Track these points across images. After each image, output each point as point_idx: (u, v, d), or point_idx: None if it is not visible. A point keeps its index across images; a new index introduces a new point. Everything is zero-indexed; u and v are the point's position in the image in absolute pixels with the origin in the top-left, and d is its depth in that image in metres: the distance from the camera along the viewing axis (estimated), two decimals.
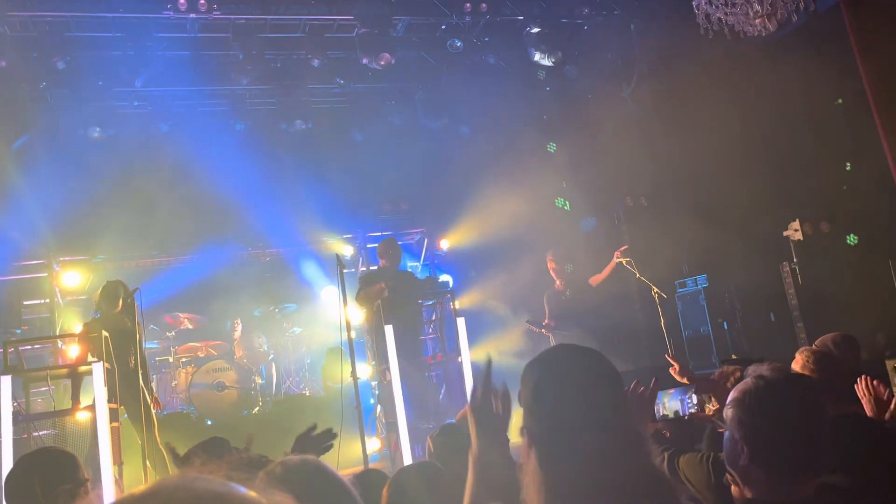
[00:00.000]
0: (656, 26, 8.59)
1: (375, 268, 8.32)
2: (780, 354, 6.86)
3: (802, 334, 7.52)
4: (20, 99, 8.41)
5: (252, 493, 0.74)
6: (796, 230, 7.60)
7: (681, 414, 2.46)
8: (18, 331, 7.38)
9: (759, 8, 6.61)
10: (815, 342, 3.77)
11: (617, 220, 9.46)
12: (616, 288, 8.44)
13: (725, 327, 8.99)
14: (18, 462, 2.50)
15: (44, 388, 6.24)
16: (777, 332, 8.35)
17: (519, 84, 9.57)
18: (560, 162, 9.11)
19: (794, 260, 7.60)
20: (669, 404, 2.49)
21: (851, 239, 7.78)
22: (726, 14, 6.72)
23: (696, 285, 9.09)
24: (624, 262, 7.67)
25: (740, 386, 1.88)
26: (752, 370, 2.37)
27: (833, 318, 6.64)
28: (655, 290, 7.60)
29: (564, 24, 9.14)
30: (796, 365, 3.41)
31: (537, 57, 9.04)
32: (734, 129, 7.92)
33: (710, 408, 3.74)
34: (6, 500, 2.49)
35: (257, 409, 8.20)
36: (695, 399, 2.45)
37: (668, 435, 2.97)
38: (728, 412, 1.84)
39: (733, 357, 6.91)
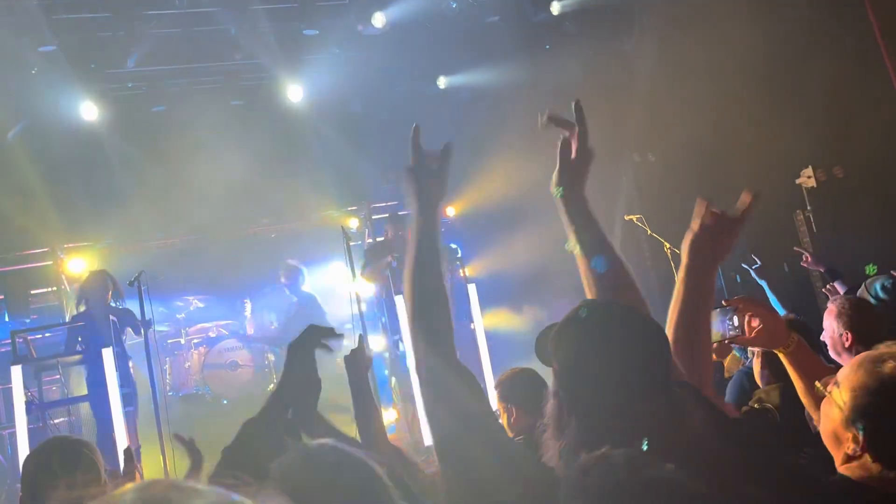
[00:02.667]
0: None
1: (381, 239, 8.24)
2: (795, 306, 6.78)
3: (818, 284, 7.40)
4: (12, 87, 8.28)
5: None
6: (809, 177, 7.44)
7: (723, 336, 2.34)
8: (27, 320, 7.36)
9: None
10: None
11: (625, 178, 9.31)
12: (627, 245, 8.32)
13: (738, 280, 8.88)
14: (29, 457, 2.45)
15: (56, 376, 6.23)
16: (792, 284, 8.23)
17: (519, 43, 9.36)
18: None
19: (808, 208, 7.45)
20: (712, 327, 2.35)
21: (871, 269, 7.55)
22: None
23: None
24: (634, 220, 7.55)
25: (869, 366, 1.61)
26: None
27: (850, 267, 6.50)
28: (668, 245, 7.49)
29: None
30: (829, 315, 3.31)
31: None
32: (741, 76, 7.73)
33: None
34: (21, 488, 2.45)
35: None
36: (735, 321, 2.32)
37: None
38: (846, 394, 1.62)
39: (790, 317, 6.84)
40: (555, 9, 9.37)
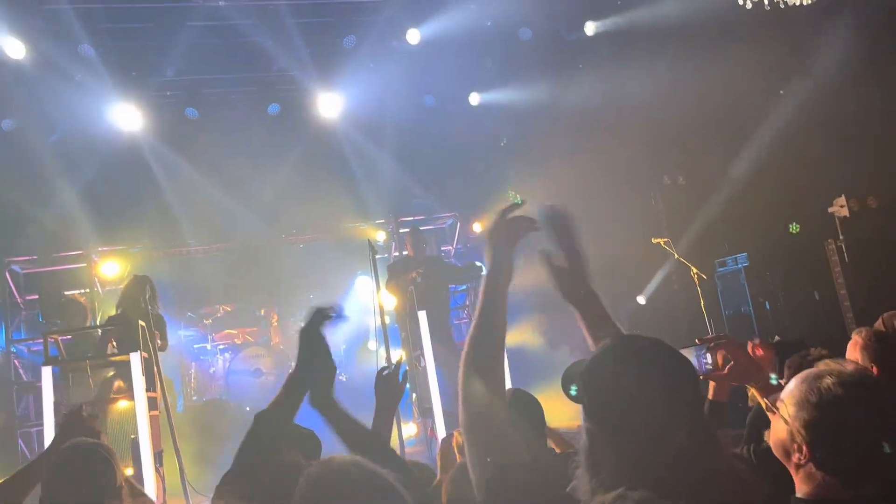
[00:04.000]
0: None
1: (406, 254, 8.30)
2: (824, 335, 6.67)
3: (849, 314, 7.28)
4: (55, 92, 8.50)
5: None
6: (842, 206, 7.34)
7: (698, 372, 2.39)
8: (59, 321, 7.52)
9: None
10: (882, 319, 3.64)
11: (654, 200, 9.26)
12: (654, 269, 8.28)
13: (767, 307, 8.77)
14: (54, 464, 2.47)
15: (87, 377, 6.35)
16: (822, 312, 8.11)
17: (552, 62, 9.39)
18: (593, 140, 8.92)
19: (840, 237, 7.35)
20: None
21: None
22: None
23: (737, 264, 8.87)
24: (661, 243, 7.50)
25: (811, 384, 1.74)
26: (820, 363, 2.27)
27: (881, 297, 6.40)
28: (695, 270, 7.43)
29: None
30: (854, 346, 3.27)
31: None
32: (775, 102, 7.66)
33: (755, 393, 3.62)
34: (42, 497, 2.48)
35: None
36: (709, 358, 2.38)
37: None
38: (791, 409, 1.75)
39: (777, 339, 6.73)
40: (589, 29, 9.40)
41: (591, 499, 1.46)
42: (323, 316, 1.96)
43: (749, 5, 6.38)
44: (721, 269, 9.03)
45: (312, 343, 1.93)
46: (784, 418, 1.76)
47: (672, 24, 8.98)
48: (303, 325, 1.98)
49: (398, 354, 7.74)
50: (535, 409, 3.20)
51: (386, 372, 2.62)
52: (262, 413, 1.98)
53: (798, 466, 1.73)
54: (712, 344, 2.36)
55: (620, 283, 9.08)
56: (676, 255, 7.56)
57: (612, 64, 9.63)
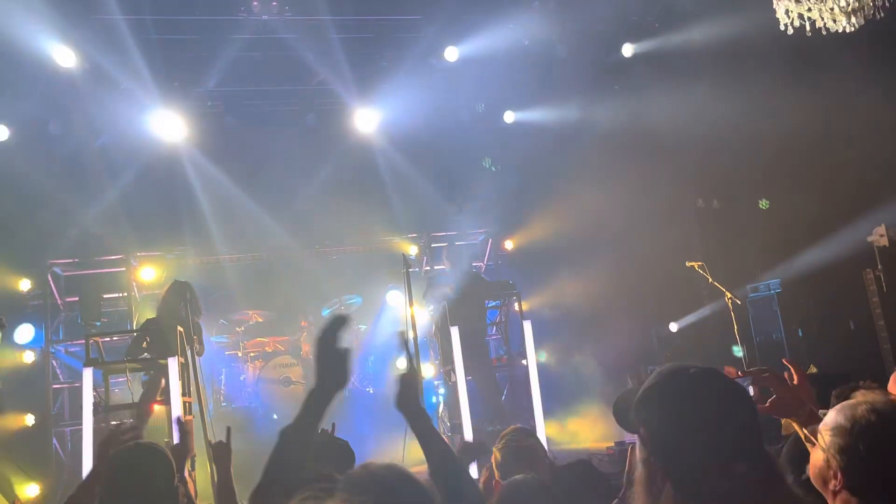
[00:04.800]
0: (730, 24, 8.34)
1: (442, 268, 8.38)
2: (859, 365, 6.58)
3: (886, 345, 7.17)
4: (101, 99, 8.72)
5: None
6: (882, 235, 7.26)
7: None
8: (98, 323, 7.67)
9: (845, 3, 6.32)
10: None
11: (687, 223, 9.23)
12: (685, 292, 8.24)
13: (800, 335, 8.66)
14: (116, 460, 2.50)
15: (122, 379, 6.47)
16: (857, 342, 8.00)
17: (588, 83, 9.43)
18: (627, 161, 8.93)
19: (879, 266, 7.26)
20: None
21: None
22: (809, 9, 6.46)
23: (770, 290, 8.78)
24: (696, 267, 7.46)
25: (846, 412, 1.79)
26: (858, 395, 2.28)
27: None
28: (729, 295, 7.37)
29: (635, 21, 9.00)
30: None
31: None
32: (815, 128, 7.61)
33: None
34: (101, 493, 2.51)
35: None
36: (752, 391, 2.38)
37: None
38: (827, 437, 1.78)
39: (813, 370, 6.65)
40: (627, 51, 9.44)
41: None
42: (338, 323, 1.95)
43: (790, 31, 6.38)
44: (753, 294, 8.94)
45: (329, 353, 1.93)
46: (821, 446, 1.80)
47: (710, 47, 8.99)
48: (318, 336, 1.96)
49: (430, 368, 7.78)
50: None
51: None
52: (286, 428, 1.99)
53: (835, 494, 1.76)
54: (757, 377, 2.37)
55: (652, 306, 9.05)
56: (710, 280, 7.50)
57: (649, 86, 9.65)
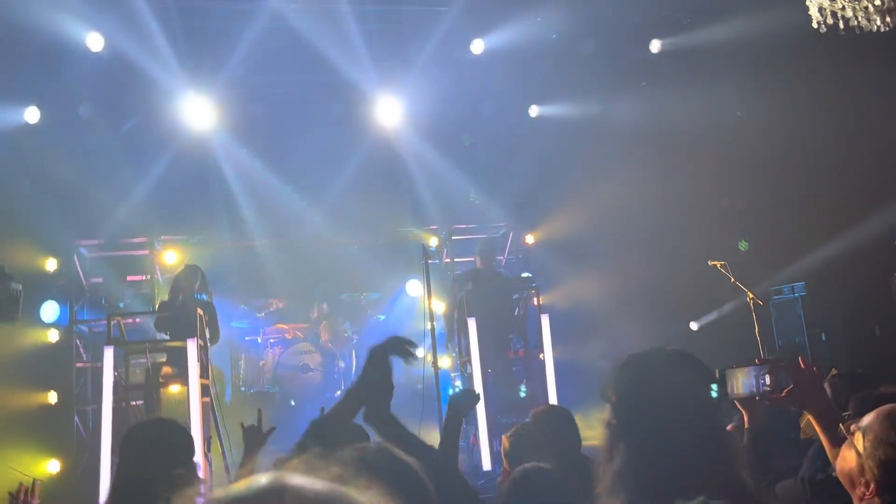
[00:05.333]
0: (763, 20, 8.22)
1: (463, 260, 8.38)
2: (882, 371, 6.47)
3: None
4: (130, 84, 8.84)
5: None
6: None
7: (754, 392, 2.40)
8: (121, 304, 7.79)
9: (880, 2, 6.20)
10: None
11: (711, 222, 9.13)
12: (707, 292, 8.16)
13: (823, 339, 8.54)
14: (137, 432, 2.55)
15: (142, 360, 6.56)
16: (881, 348, 7.88)
17: (615, 78, 9.35)
18: (652, 158, 8.85)
19: None
20: (744, 382, 2.43)
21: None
22: (843, 7, 6.35)
23: (794, 293, 8.66)
24: (718, 266, 7.38)
25: (891, 420, 1.74)
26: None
27: None
28: (751, 295, 7.28)
29: (664, 17, 8.91)
30: None
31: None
32: (841, 127, 7.49)
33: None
34: (119, 467, 2.55)
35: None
36: (768, 379, 2.36)
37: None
38: (867, 442, 1.75)
39: (834, 372, 6.55)
40: (654, 47, 9.34)
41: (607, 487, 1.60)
42: (398, 345, 2.00)
43: (823, 29, 6.27)
44: (777, 296, 8.83)
45: (379, 363, 1.98)
46: (857, 449, 1.75)
47: (738, 45, 8.87)
48: (377, 345, 2.02)
49: (446, 361, 7.79)
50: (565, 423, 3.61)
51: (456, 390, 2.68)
52: (317, 420, 2.03)
53: (861, 499, 1.73)
54: (778, 365, 2.34)
55: (673, 304, 8.97)
56: (732, 280, 7.41)
57: (676, 83, 9.55)
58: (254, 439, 3.17)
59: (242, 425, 3.29)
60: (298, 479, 0.72)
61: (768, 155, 8.35)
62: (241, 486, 0.72)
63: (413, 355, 2.07)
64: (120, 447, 2.51)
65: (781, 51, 8.00)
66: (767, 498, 2.74)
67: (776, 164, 8.35)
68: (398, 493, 1.59)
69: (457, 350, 7.33)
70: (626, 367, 1.68)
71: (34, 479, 3.10)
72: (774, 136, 8.15)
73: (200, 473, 5.21)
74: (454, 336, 7.33)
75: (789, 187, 8.36)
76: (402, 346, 2.02)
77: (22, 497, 2.91)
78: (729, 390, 2.45)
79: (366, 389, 2.01)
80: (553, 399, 6.49)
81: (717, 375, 2.61)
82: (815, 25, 6.23)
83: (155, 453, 2.31)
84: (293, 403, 8.10)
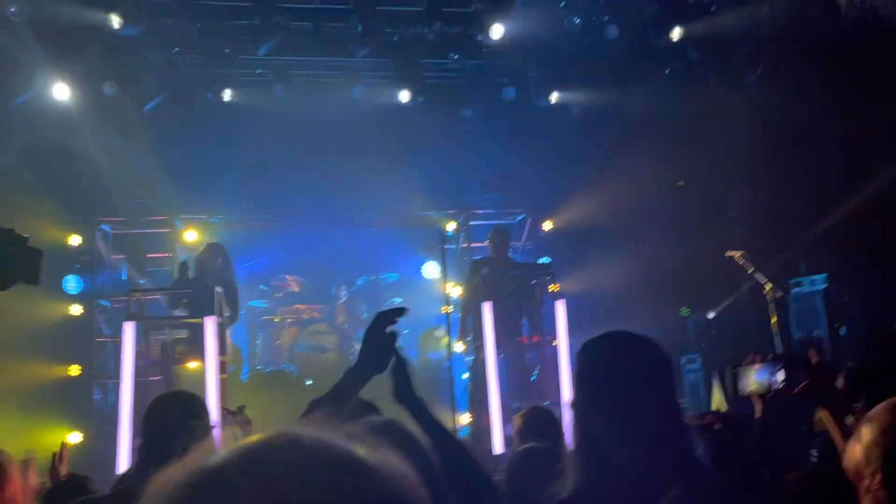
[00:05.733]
0: (787, 9, 8.09)
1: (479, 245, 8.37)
2: None
3: None
4: (154, 63, 8.93)
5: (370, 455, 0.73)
6: None
7: (768, 388, 2.42)
8: (142, 281, 7.91)
9: None
10: None
11: (732, 212, 9.05)
12: (725, 283, 8.10)
13: (843, 333, 8.45)
14: (158, 400, 2.67)
15: (161, 336, 6.68)
16: None
17: (637, 65, 9.27)
18: (674, 145, 8.77)
19: None
20: (757, 378, 2.45)
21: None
22: None
23: (814, 286, 8.57)
24: (737, 257, 7.32)
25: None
26: None
27: None
28: (769, 286, 7.22)
29: (689, 4, 8.79)
30: None
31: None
32: (871, 121, 7.37)
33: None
34: (144, 429, 2.63)
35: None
36: (782, 375, 2.38)
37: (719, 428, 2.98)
38: (872, 432, 1.73)
39: (849, 364, 6.50)
40: (675, 34, 9.22)
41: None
42: (386, 319, 1.98)
43: (851, 17, 6.18)
44: (796, 288, 8.74)
45: (376, 337, 1.96)
46: (864, 441, 1.75)
47: (763, 33, 8.75)
48: (373, 318, 2.01)
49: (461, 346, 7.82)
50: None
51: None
52: (316, 400, 2.03)
53: (867, 491, 1.72)
54: (792, 360, 2.36)
55: (688, 293, 8.93)
56: (751, 270, 7.35)
57: (700, 71, 9.45)
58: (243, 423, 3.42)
59: (227, 409, 3.49)
60: (313, 431, 0.72)
61: (792, 146, 8.25)
62: (254, 437, 0.73)
63: (402, 314, 2.05)
64: (143, 421, 2.58)
65: (807, 41, 7.88)
66: (778, 488, 2.75)
67: (800, 155, 8.25)
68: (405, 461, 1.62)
69: (470, 335, 7.37)
70: (584, 350, 1.77)
71: (62, 442, 3.21)
72: (798, 127, 8.04)
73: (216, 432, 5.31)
74: (467, 320, 7.37)
75: (813, 177, 8.26)
76: (390, 318, 2.00)
77: (58, 459, 3.03)
78: (741, 388, 2.47)
79: (365, 368, 2.00)
80: (566, 386, 6.51)
81: (728, 374, 2.63)
82: (842, 12, 6.15)
83: (174, 417, 2.38)
84: (309, 383, 8.19)
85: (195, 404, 2.55)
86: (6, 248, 1.42)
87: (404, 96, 9.46)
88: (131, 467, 3.26)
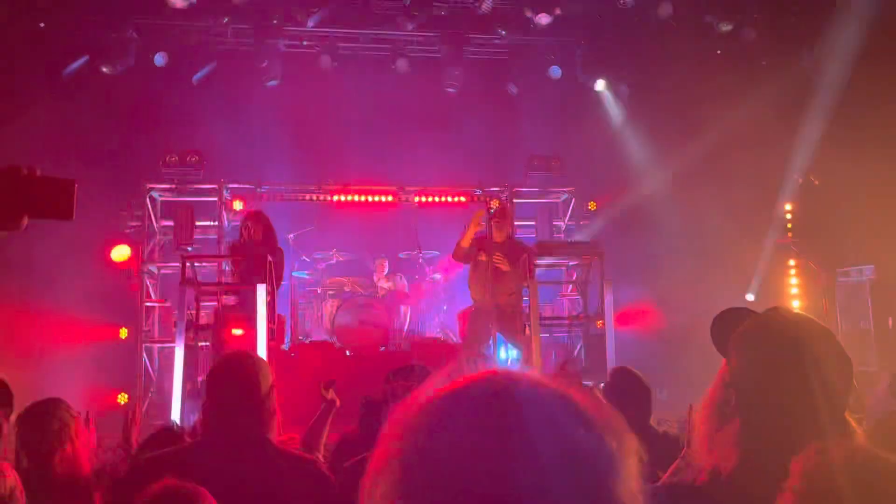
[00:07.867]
0: None
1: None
2: None
3: None
4: (205, 32, 8.99)
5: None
6: None
7: None
8: (190, 249, 8.03)
9: None
10: None
11: (784, 198, 8.90)
12: (773, 266, 8.00)
13: (891, 325, 8.31)
14: (224, 364, 2.65)
15: (211, 302, 6.77)
16: None
17: (688, 44, 9.11)
18: (724, 130, 8.62)
19: None
20: None
21: None
22: None
23: (862, 276, 8.42)
24: (786, 243, 7.23)
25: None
26: None
27: None
28: (817, 274, 7.13)
29: None
30: None
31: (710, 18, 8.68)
32: None
33: None
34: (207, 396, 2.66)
35: (382, 348, 8.48)
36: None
37: None
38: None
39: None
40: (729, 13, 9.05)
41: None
42: None
43: None
44: (843, 278, 8.60)
45: None
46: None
47: (820, 15, 8.54)
48: None
49: None
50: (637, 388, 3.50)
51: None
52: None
53: None
54: None
55: (734, 277, 8.81)
56: (799, 258, 7.27)
57: (752, 53, 9.26)
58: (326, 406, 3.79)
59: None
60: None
61: (850, 130, 8.08)
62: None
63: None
64: (207, 380, 2.56)
65: (865, 24, 7.69)
66: None
67: (860, 140, 8.07)
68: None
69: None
70: (752, 330, 1.53)
71: (135, 405, 3.29)
72: (860, 111, 7.86)
73: None
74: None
75: (865, 166, 8.09)
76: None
77: (131, 415, 3.10)
78: None
79: None
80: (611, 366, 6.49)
81: None
82: None
83: (238, 381, 2.35)
84: (348, 354, 8.26)
85: (256, 364, 2.51)
86: (34, 185, 1.42)
87: (450, 72, 9.42)
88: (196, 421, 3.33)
